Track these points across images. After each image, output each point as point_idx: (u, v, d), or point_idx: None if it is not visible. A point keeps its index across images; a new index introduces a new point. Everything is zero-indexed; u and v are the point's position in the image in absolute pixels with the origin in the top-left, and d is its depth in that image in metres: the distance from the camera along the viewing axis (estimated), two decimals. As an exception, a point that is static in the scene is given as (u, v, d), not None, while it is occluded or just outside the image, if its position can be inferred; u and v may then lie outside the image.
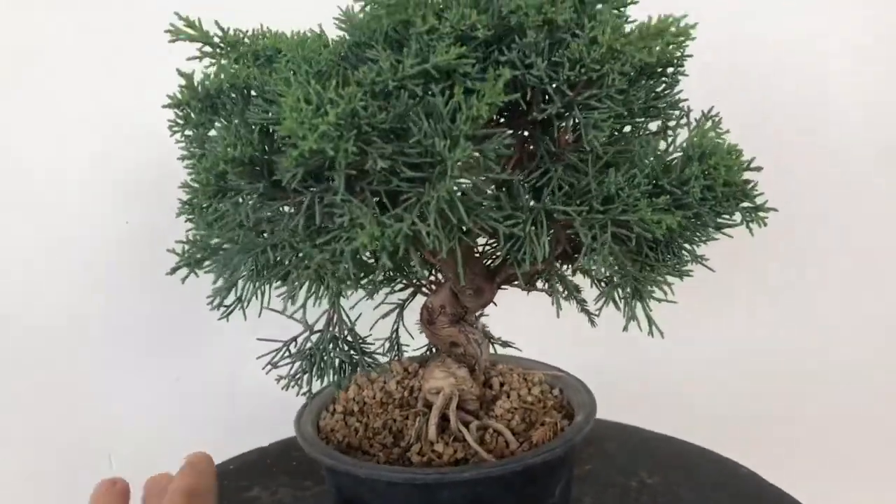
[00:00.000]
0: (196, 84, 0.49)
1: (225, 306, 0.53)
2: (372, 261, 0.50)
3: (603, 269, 0.49)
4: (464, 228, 0.45)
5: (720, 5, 0.88)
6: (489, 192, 0.47)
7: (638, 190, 0.45)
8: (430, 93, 0.42)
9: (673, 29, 0.43)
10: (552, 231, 0.48)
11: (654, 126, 0.50)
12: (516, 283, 0.59)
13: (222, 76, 0.49)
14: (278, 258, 0.47)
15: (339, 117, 0.39)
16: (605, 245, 0.45)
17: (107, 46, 0.84)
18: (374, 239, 0.41)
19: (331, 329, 0.56)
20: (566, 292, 0.57)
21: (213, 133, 0.49)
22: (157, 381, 0.94)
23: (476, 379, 0.61)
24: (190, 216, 0.52)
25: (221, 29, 0.53)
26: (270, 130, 0.46)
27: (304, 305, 0.49)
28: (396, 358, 0.67)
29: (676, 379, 1.04)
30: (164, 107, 0.49)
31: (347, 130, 0.39)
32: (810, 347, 1.06)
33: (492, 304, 0.61)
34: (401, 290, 0.64)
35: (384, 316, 0.66)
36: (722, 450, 0.77)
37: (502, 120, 0.50)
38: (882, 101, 0.97)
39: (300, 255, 0.46)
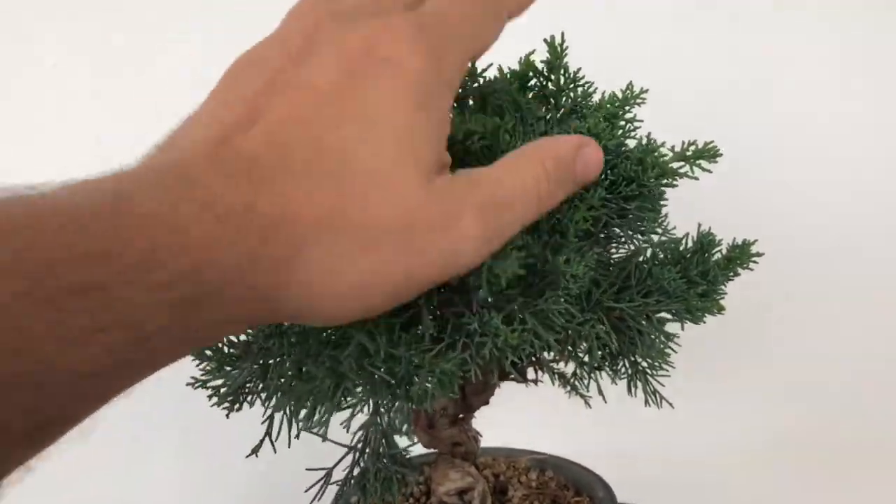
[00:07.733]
0: None
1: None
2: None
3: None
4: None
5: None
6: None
7: (683, 282, 0.53)
8: None
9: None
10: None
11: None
12: (513, 376, 0.64)
13: None
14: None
15: None
16: (660, 334, 0.52)
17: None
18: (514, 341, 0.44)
19: (371, 445, 0.55)
20: (572, 378, 0.63)
21: None
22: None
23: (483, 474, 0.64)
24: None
25: None
26: None
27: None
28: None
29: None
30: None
31: None
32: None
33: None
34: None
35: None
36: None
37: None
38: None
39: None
